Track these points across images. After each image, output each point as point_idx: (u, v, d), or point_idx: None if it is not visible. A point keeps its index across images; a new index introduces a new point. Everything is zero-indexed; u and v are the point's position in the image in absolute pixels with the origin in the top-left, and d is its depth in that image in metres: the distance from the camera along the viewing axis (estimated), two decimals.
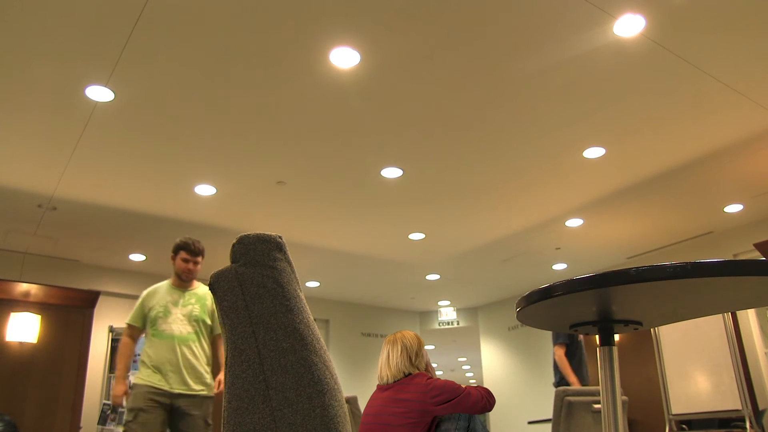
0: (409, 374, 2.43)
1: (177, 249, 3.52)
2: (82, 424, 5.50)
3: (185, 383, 3.33)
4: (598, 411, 3.78)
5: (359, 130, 4.13)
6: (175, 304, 3.47)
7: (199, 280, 3.61)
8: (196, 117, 3.90)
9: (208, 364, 3.49)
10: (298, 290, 1.14)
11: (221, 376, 3.42)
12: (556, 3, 2.96)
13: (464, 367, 15.50)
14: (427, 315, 9.52)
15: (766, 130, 4.21)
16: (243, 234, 1.15)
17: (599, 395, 1.67)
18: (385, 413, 2.36)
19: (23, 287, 5.46)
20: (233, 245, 1.14)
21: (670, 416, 5.68)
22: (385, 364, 2.48)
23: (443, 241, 6.36)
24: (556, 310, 1.17)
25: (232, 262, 1.14)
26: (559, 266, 7.44)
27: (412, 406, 2.31)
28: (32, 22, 2.98)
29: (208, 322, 3.53)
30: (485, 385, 8.75)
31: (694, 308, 1.21)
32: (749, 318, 5.89)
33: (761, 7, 3.02)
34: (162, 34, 3.11)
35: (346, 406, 1.14)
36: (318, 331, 1.15)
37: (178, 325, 3.40)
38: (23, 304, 5.36)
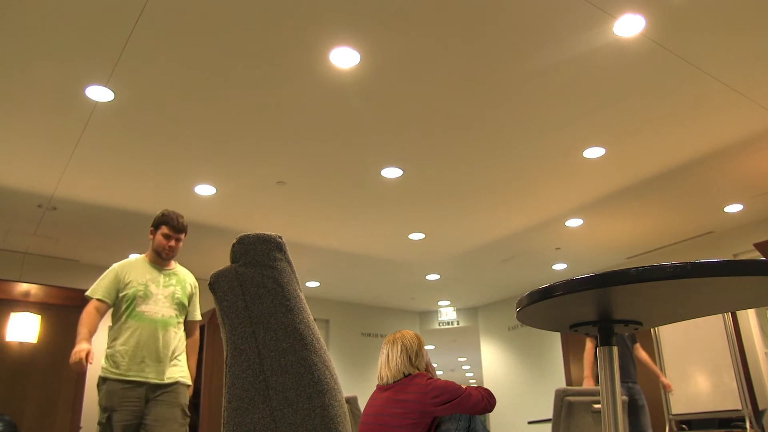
0: (409, 374, 2.42)
1: (157, 223, 3.13)
2: (82, 424, 5.50)
3: (164, 373, 2.96)
4: (598, 411, 3.78)
5: (359, 130, 4.13)
6: (156, 283, 3.07)
7: (199, 279, 3.44)
8: (196, 117, 3.90)
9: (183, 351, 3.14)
10: (298, 290, 1.14)
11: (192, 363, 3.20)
12: (556, 3, 2.96)
13: (464, 367, 15.50)
14: (427, 315, 9.52)
15: (766, 130, 4.21)
16: (243, 234, 1.15)
17: (599, 395, 1.66)
18: (384, 413, 2.36)
19: (23, 287, 5.46)
20: (233, 245, 1.14)
21: (670, 416, 5.68)
22: (385, 364, 2.47)
23: (443, 241, 6.36)
24: (556, 310, 1.17)
25: (232, 262, 1.14)
26: (559, 266, 7.44)
27: (412, 406, 2.31)
28: (32, 22, 2.98)
29: (187, 306, 3.18)
30: (485, 385, 8.75)
31: (694, 308, 1.21)
32: (749, 318, 5.89)
33: (761, 7, 3.02)
34: (162, 34, 3.11)
35: (346, 406, 1.14)
36: (318, 331, 1.15)
37: (160, 307, 3.01)
38: (23, 304, 5.36)
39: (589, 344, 4.81)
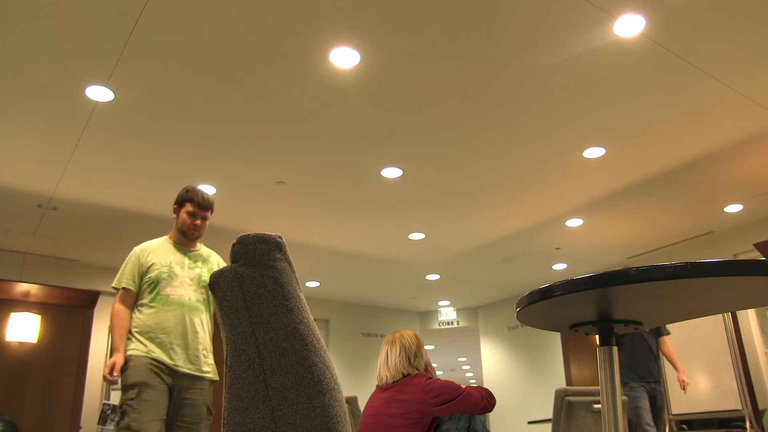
0: (408, 375, 2.43)
1: (181, 200, 2.91)
2: (82, 424, 5.50)
3: (192, 362, 2.73)
4: (598, 411, 3.77)
5: (359, 130, 4.13)
6: (181, 265, 2.85)
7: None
8: (196, 117, 3.90)
9: (211, 341, 2.91)
10: (298, 290, 1.14)
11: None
12: (556, 3, 2.96)
13: (464, 367, 15.50)
14: (427, 315, 9.52)
15: (766, 130, 4.21)
16: (243, 234, 1.15)
17: (599, 395, 1.66)
18: (384, 414, 2.36)
19: (23, 287, 5.46)
20: (233, 245, 1.14)
21: (670, 416, 5.68)
22: (384, 364, 2.47)
23: (443, 241, 6.36)
24: (556, 310, 1.17)
25: (232, 262, 1.14)
26: (559, 266, 7.44)
27: (412, 406, 2.31)
28: (32, 22, 2.98)
29: None
30: (485, 385, 8.75)
31: (694, 308, 1.21)
32: (749, 318, 5.89)
33: (761, 7, 3.02)
34: (162, 34, 3.11)
35: (346, 406, 1.14)
36: (318, 331, 1.15)
37: (186, 290, 2.80)
38: (23, 304, 5.36)
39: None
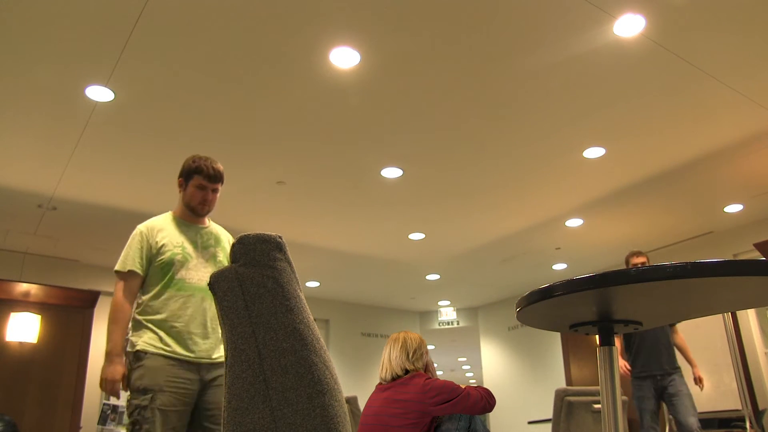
0: (407, 371, 2.45)
1: (188, 172, 2.57)
2: (82, 424, 5.50)
3: (213, 350, 2.41)
4: (598, 411, 3.78)
5: (359, 130, 4.13)
6: (194, 244, 2.52)
7: None
8: (196, 117, 3.90)
9: None
10: (298, 290, 1.14)
11: None
12: (556, 3, 2.96)
13: (464, 367, 15.50)
14: (427, 315, 9.52)
15: (766, 130, 4.21)
16: (243, 234, 1.15)
17: (599, 395, 1.67)
18: (384, 414, 2.36)
19: (23, 287, 5.46)
20: (233, 245, 1.14)
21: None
22: (387, 360, 2.54)
23: (443, 241, 6.36)
24: (556, 310, 1.17)
25: (232, 262, 1.14)
26: (559, 266, 7.44)
27: (411, 406, 2.31)
28: (33, 22, 2.98)
29: None
30: (485, 385, 8.75)
31: (694, 308, 1.21)
32: (749, 318, 5.89)
33: (761, 7, 3.02)
34: (162, 34, 3.11)
35: (346, 406, 1.14)
36: (318, 331, 1.15)
37: (202, 272, 2.47)
38: (23, 304, 5.36)
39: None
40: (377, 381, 2.60)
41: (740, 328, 5.77)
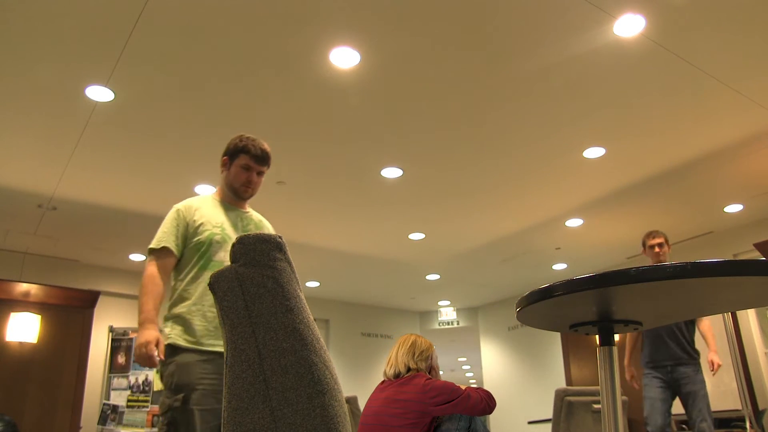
0: (410, 370, 2.48)
1: (234, 151, 2.43)
2: (82, 424, 5.50)
3: None
4: (598, 411, 3.78)
5: (359, 130, 4.13)
6: (234, 227, 2.39)
7: None
8: (196, 117, 3.90)
9: None
10: (298, 290, 1.14)
11: None
12: (556, 3, 2.96)
13: (464, 367, 15.50)
14: (427, 315, 9.52)
15: (766, 130, 4.21)
16: (243, 234, 1.15)
17: (599, 395, 1.67)
18: (384, 414, 2.37)
19: (23, 287, 5.46)
20: (233, 245, 1.14)
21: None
22: (393, 356, 2.60)
23: (443, 241, 6.36)
24: (556, 310, 1.17)
25: (232, 262, 1.14)
26: (559, 266, 7.44)
27: (411, 406, 2.32)
28: (33, 22, 2.98)
29: None
30: (485, 385, 8.75)
31: (694, 308, 1.21)
32: (749, 318, 5.89)
33: (761, 7, 3.02)
34: (162, 34, 3.11)
35: (346, 406, 1.14)
36: (318, 331, 1.15)
37: None
38: (23, 304, 5.36)
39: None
40: (377, 381, 2.61)
41: (740, 328, 5.77)
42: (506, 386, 8.65)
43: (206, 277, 2.22)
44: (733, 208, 5.65)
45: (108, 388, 6.11)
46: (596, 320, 1.21)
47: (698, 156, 4.58)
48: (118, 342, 6.26)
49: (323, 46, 3.24)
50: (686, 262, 0.93)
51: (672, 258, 5.88)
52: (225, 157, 2.46)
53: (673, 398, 3.89)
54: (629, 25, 3.11)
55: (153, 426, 5.83)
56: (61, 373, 5.38)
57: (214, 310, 2.12)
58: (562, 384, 7.50)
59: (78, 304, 5.66)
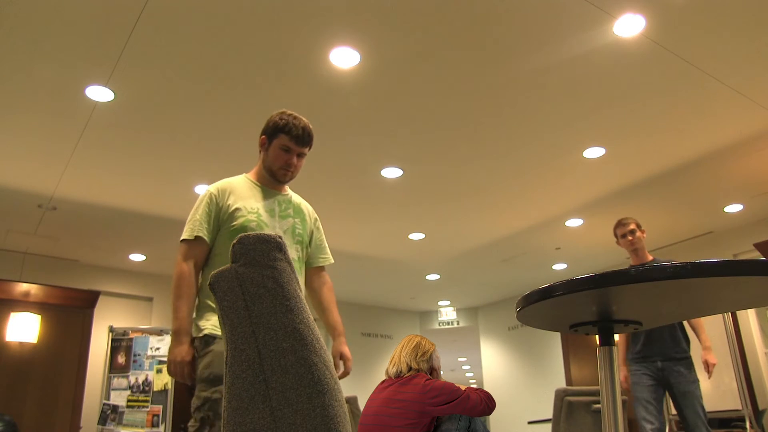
0: (411, 369, 2.49)
1: (273, 130, 2.22)
2: (82, 424, 5.50)
3: None
4: (598, 411, 3.77)
5: (359, 130, 4.13)
6: (271, 212, 2.22)
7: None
8: (196, 117, 3.90)
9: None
10: (298, 290, 1.14)
11: None
12: (556, 3, 2.96)
13: (464, 367, 15.50)
14: (427, 315, 9.52)
15: (766, 130, 4.21)
16: (243, 234, 1.15)
17: (599, 395, 1.67)
18: (383, 413, 2.37)
19: (23, 287, 5.46)
20: (233, 245, 1.14)
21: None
22: (397, 355, 2.63)
23: (443, 241, 6.36)
24: (556, 310, 1.17)
25: (232, 262, 1.14)
26: (559, 266, 7.44)
27: (411, 406, 2.32)
28: (33, 22, 2.98)
29: (308, 246, 2.45)
30: (485, 385, 8.76)
31: (694, 308, 1.21)
32: (749, 318, 5.89)
33: (761, 7, 3.02)
34: (162, 34, 3.11)
35: (346, 406, 1.14)
36: (318, 331, 1.15)
37: None
38: (23, 304, 5.36)
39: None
40: (377, 381, 2.61)
41: (740, 328, 5.77)
42: (506, 386, 8.65)
43: None
44: (733, 208, 5.65)
45: (108, 388, 6.10)
46: (596, 320, 1.21)
47: (698, 156, 4.58)
48: (118, 342, 6.25)
49: (323, 46, 3.24)
50: (686, 262, 0.93)
51: (672, 258, 5.88)
52: (263, 137, 2.26)
53: (664, 394, 3.68)
54: (629, 25, 3.11)
55: (153, 426, 5.83)
56: (61, 373, 5.37)
57: None
58: (562, 384, 7.50)
59: (78, 304, 5.66)
